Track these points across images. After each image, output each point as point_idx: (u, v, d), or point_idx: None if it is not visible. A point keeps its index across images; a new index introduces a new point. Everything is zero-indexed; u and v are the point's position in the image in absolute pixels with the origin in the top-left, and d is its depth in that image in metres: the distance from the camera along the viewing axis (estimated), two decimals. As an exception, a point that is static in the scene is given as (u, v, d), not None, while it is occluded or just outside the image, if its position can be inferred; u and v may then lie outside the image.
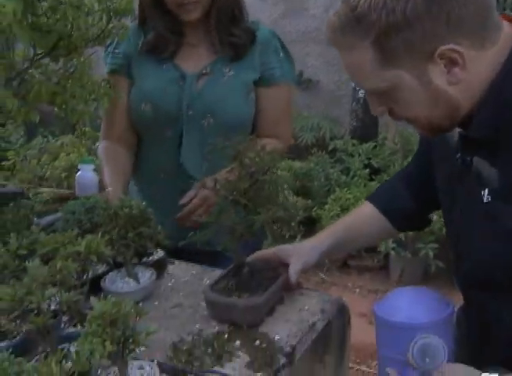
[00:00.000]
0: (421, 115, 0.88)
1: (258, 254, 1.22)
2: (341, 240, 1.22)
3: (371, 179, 3.80)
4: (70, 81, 1.20)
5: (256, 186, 1.07)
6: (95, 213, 1.18)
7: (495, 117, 0.85)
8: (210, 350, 1.00)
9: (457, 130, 0.94)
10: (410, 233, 3.24)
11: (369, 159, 3.90)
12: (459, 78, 0.83)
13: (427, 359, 0.88)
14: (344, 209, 3.50)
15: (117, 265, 1.24)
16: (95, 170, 1.51)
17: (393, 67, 0.83)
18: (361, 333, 2.94)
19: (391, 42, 0.81)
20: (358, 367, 2.67)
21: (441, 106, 0.86)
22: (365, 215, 1.25)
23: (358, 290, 3.45)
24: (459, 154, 0.94)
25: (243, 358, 0.98)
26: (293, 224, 1.12)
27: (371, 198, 1.27)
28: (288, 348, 1.01)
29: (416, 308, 0.96)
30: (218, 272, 1.20)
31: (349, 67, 0.87)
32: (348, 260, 3.66)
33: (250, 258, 1.19)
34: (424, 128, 0.91)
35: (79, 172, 1.52)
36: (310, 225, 3.80)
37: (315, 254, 1.19)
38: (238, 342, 1.03)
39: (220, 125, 1.40)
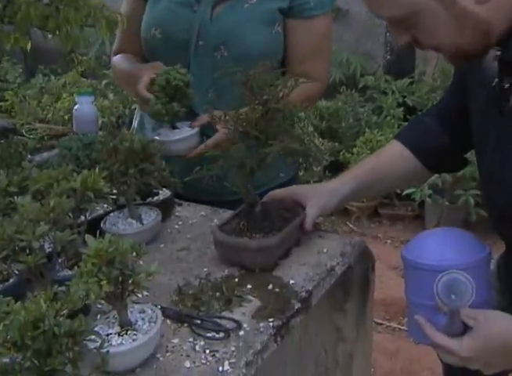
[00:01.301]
0: (447, 41, 0.84)
1: (272, 194, 1.20)
2: (366, 182, 1.19)
3: (405, 120, 3.72)
4: (63, 2, 1.16)
5: (268, 115, 1.05)
6: (94, 149, 1.17)
7: None
8: (218, 294, 1.00)
9: (495, 53, 0.89)
10: (448, 178, 3.18)
11: (404, 97, 3.81)
12: None
13: (453, 296, 0.87)
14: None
15: (119, 208, 1.24)
16: (94, 103, 1.50)
17: None
18: (392, 287, 2.96)
19: None
20: (387, 324, 2.69)
21: (468, 29, 0.82)
22: (392, 155, 1.20)
23: (389, 241, 3.45)
24: (496, 80, 0.91)
25: (254, 303, 0.99)
26: (310, 159, 1.10)
27: (399, 136, 1.22)
28: (303, 294, 1.01)
29: (447, 249, 0.94)
30: (228, 214, 1.20)
31: None
32: (379, 208, 3.64)
33: (263, 199, 1.18)
34: (452, 56, 0.88)
35: (76, 106, 1.50)
36: (337, 171, 3.77)
37: (335, 198, 1.17)
38: (249, 286, 1.03)
39: (235, 59, 1.31)
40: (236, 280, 1.05)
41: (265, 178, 1.32)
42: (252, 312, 0.96)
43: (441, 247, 0.95)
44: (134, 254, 0.83)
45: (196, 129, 1.34)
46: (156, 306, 0.92)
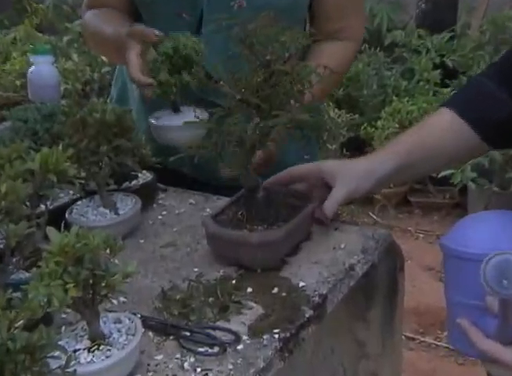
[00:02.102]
0: None
1: (290, 170, 1.21)
2: (409, 161, 1.17)
3: (444, 85, 3.72)
4: None
5: (272, 80, 1.05)
6: (55, 121, 1.17)
7: None
8: (211, 300, 1.01)
9: None
10: (498, 156, 3.18)
11: (442, 56, 3.80)
12: None
13: (505, 282, 0.85)
14: (404, 127, 3.46)
15: (88, 194, 1.25)
16: (55, 65, 1.49)
17: None
18: (426, 293, 2.97)
19: None
20: (421, 339, 2.69)
21: None
22: (441, 127, 1.18)
23: (422, 235, 3.47)
24: None
25: (255, 310, 0.99)
26: (325, 134, 1.10)
27: (450, 103, 1.21)
28: (316, 299, 1.01)
29: (501, 236, 0.93)
30: (224, 202, 1.21)
31: None
32: (410, 195, 3.66)
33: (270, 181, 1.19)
34: None
35: (32, 68, 1.49)
36: (357, 149, 3.79)
37: (370, 179, 1.16)
38: (249, 290, 1.04)
39: (255, 10, 1.31)
40: (234, 282, 1.06)
41: (284, 161, 1.29)
42: (253, 322, 0.97)
43: (493, 233, 0.94)
44: (107, 250, 0.83)
45: (206, 114, 1.27)
46: (135, 315, 0.93)
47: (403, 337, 1.27)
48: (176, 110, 1.30)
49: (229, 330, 0.95)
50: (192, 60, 1.23)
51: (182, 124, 1.22)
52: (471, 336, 0.91)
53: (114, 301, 1.02)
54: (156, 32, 1.24)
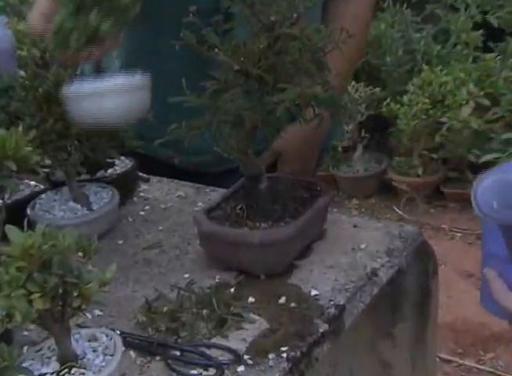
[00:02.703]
0: None
1: None
2: None
3: (486, 49, 3.70)
4: None
5: (278, 46, 1.05)
6: (13, 97, 1.17)
7: None
8: (206, 312, 1.02)
9: None
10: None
11: (485, 13, 3.76)
12: None
13: (495, 204, 0.88)
14: (437, 101, 3.46)
15: (55, 186, 1.26)
16: (7, 27, 1.50)
17: None
18: (465, 305, 2.95)
19: None
20: (459, 362, 2.66)
21: None
22: None
23: (459, 234, 3.47)
24: None
25: (258, 324, 1.00)
26: (340, 112, 1.11)
27: None
28: (332, 310, 1.02)
29: None
30: (219, 194, 1.21)
31: None
32: (443, 186, 3.66)
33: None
34: None
35: (-21, 31, 1.50)
36: (378, 129, 3.79)
37: None
38: (251, 300, 1.05)
39: None
40: (232, 290, 1.07)
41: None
42: (256, 338, 0.98)
43: None
44: (80, 253, 0.84)
45: (144, 80, 1.18)
46: (113, 331, 0.93)
47: (437, 358, 1.27)
48: (99, 70, 1.22)
49: (227, 349, 0.96)
50: None
51: (91, 91, 1.11)
52: (494, 287, 0.96)
53: (88, 315, 1.03)
54: None
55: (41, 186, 1.23)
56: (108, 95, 1.12)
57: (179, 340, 0.98)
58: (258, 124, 1.06)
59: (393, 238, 1.18)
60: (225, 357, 0.94)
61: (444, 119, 3.43)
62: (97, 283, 0.83)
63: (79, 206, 1.20)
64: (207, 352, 0.95)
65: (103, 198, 1.22)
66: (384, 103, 3.64)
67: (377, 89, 3.72)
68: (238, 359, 0.94)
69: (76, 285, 0.82)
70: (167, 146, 1.12)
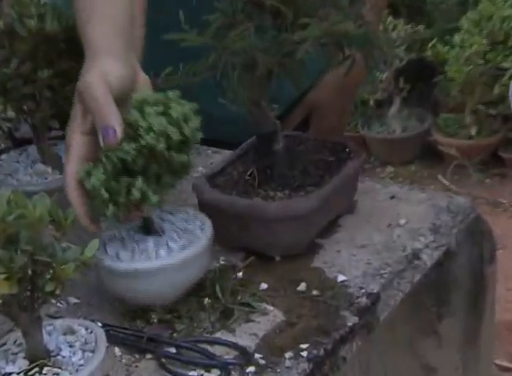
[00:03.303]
0: None
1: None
2: None
3: None
4: None
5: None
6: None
7: None
8: (208, 302, 1.03)
9: None
10: None
11: None
12: None
13: None
14: (498, 42, 3.42)
15: (19, 144, 1.26)
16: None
17: None
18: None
19: None
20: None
21: None
22: None
23: (520, 211, 3.45)
24: None
25: (272, 316, 1.01)
26: (375, 54, 1.10)
27: None
28: (363, 300, 1.03)
29: None
30: (225, 156, 1.22)
31: None
32: (502, 149, 3.64)
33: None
34: None
35: None
36: (421, 77, 3.77)
37: None
38: (264, 286, 1.05)
39: None
40: (240, 274, 1.07)
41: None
42: (269, 333, 0.98)
43: None
44: (54, 226, 0.84)
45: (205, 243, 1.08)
46: (94, 323, 0.94)
47: (494, 365, 1.27)
48: (149, 230, 1.09)
49: (234, 345, 0.96)
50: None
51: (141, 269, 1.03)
52: None
53: (61, 304, 1.04)
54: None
55: (2, 145, 1.23)
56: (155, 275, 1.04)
57: (175, 334, 0.99)
58: (274, 69, 1.06)
59: (439, 212, 1.18)
60: (230, 355, 0.95)
61: (506, 64, 3.39)
62: (75, 264, 0.83)
63: (49, 169, 1.20)
64: (209, 349, 0.96)
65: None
66: (430, 45, 3.61)
67: (421, 27, 3.69)
68: (247, 358, 0.94)
69: (49, 265, 0.82)
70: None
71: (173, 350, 0.96)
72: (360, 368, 1.05)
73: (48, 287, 0.83)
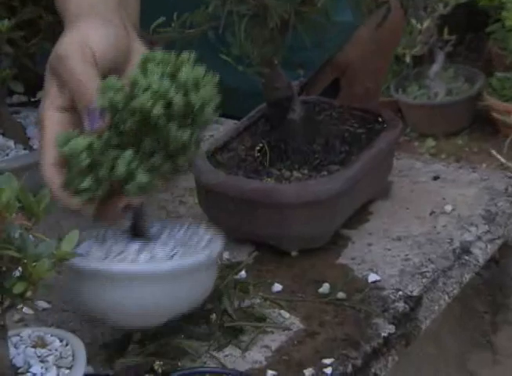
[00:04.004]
0: None
1: None
2: None
3: None
4: None
5: None
6: None
7: None
8: (208, 306, 1.05)
9: None
10: None
11: None
12: None
13: None
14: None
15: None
16: None
17: None
18: None
19: None
20: None
21: None
22: None
23: None
24: None
25: (289, 325, 1.03)
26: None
27: None
28: (401, 305, 1.05)
29: None
30: (228, 128, 1.25)
31: None
32: None
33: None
34: None
35: None
36: (471, 28, 3.77)
37: None
38: (277, 288, 1.08)
39: None
40: (248, 272, 1.10)
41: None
42: (285, 345, 1.00)
43: None
44: (22, 214, 0.87)
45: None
46: (74, 334, 0.96)
47: None
48: (137, 231, 1.11)
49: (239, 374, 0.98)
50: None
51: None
52: None
53: (27, 310, 1.06)
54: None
55: None
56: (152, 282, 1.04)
57: (160, 365, 1.00)
58: (290, 20, 1.08)
59: (495, 196, 1.20)
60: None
61: None
62: (49, 260, 0.84)
63: (11, 143, 1.23)
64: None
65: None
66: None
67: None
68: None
69: (17, 261, 0.84)
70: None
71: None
72: (398, 388, 1.07)
73: (17, 289, 0.84)
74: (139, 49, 1.09)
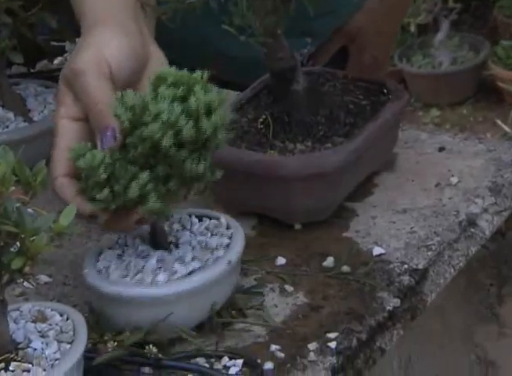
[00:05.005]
0: None
1: None
2: None
3: None
4: None
5: None
6: None
7: None
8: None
9: None
10: None
11: None
12: None
13: None
14: None
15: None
16: None
17: None
18: None
19: None
20: None
21: None
22: None
23: None
24: None
25: (292, 299, 1.03)
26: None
27: None
28: (406, 279, 1.04)
29: None
30: (229, 98, 1.23)
31: None
32: None
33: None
34: None
35: None
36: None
37: None
38: (280, 262, 1.07)
39: None
40: (249, 247, 1.07)
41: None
42: (289, 319, 1.00)
43: None
44: (20, 188, 0.86)
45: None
46: (74, 308, 0.96)
47: None
48: (156, 242, 1.10)
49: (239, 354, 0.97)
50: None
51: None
52: None
53: (28, 284, 1.05)
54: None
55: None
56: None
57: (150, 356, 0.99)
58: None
59: (501, 167, 1.19)
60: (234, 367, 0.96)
61: None
62: (47, 234, 0.84)
63: (11, 115, 1.22)
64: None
65: (49, 103, 1.23)
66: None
67: None
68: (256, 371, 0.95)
69: (15, 236, 0.84)
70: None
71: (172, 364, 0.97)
72: (401, 362, 1.06)
73: (16, 264, 0.84)
74: (156, 53, 1.12)
